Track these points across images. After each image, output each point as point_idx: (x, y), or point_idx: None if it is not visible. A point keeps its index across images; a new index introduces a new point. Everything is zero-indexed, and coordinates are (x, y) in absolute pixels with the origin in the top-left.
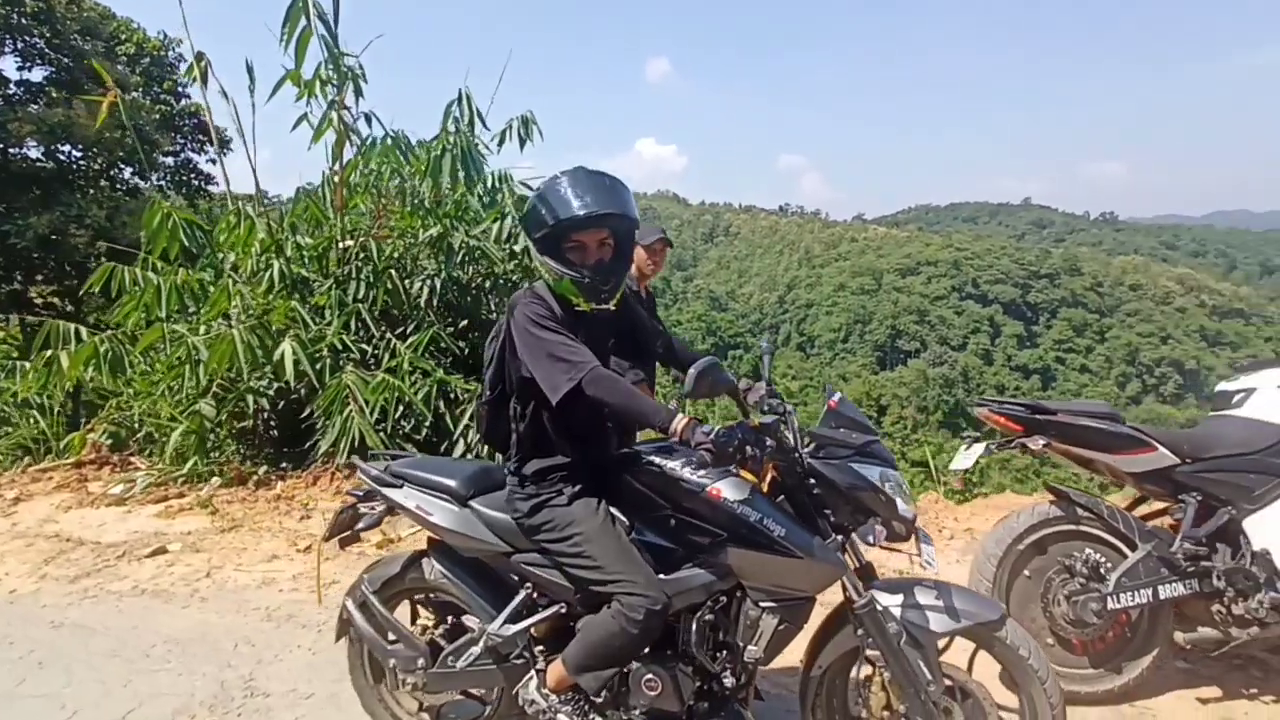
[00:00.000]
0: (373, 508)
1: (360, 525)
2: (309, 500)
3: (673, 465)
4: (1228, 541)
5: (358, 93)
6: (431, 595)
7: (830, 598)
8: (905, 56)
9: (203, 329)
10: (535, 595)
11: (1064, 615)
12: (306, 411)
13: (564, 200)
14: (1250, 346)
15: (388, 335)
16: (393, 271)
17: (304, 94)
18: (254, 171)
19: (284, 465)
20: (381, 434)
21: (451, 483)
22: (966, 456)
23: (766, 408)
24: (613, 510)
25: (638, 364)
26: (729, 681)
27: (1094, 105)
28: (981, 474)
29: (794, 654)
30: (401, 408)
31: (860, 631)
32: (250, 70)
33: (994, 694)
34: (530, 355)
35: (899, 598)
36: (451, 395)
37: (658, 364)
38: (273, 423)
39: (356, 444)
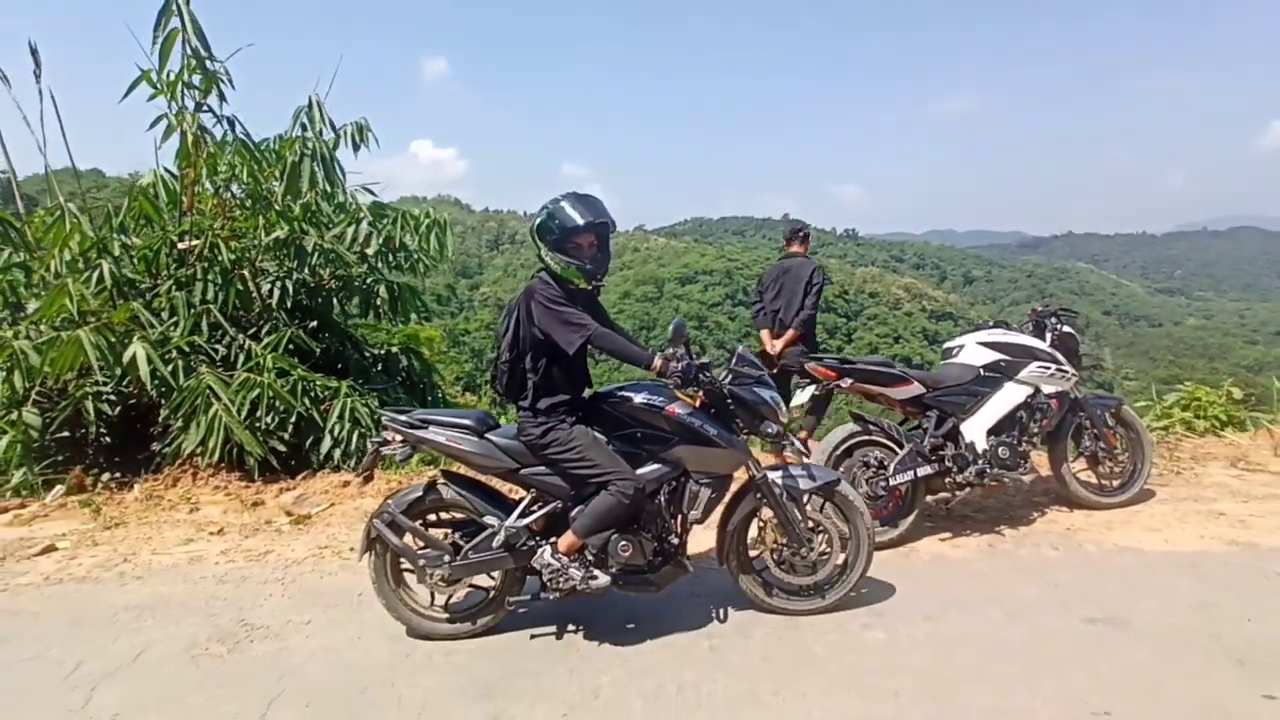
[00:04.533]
0: (394, 449)
1: (398, 459)
2: (189, 497)
3: (637, 398)
4: (953, 438)
5: (221, 96)
6: (439, 515)
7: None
8: (679, 79)
9: (30, 331)
10: (535, 500)
11: (865, 494)
12: (161, 415)
13: (569, 216)
14: None
15: (239, 337)
16: (245, 273)
17: (160, 93)
18: (44, 157)
19: (118, 474)
20: (248, 433)
21: (470, 422)
22: (801, 396)
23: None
24: (594, 430)
25: None
26: (675, 541)
27: (838, 135)
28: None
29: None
30: (265, 406)
31: (758, 495)
32: (35, 53)
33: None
34: (549, 322)
35: (780, 473)
36: (313, 394)
37: None
38: (103, 430)
39: (222, 443)
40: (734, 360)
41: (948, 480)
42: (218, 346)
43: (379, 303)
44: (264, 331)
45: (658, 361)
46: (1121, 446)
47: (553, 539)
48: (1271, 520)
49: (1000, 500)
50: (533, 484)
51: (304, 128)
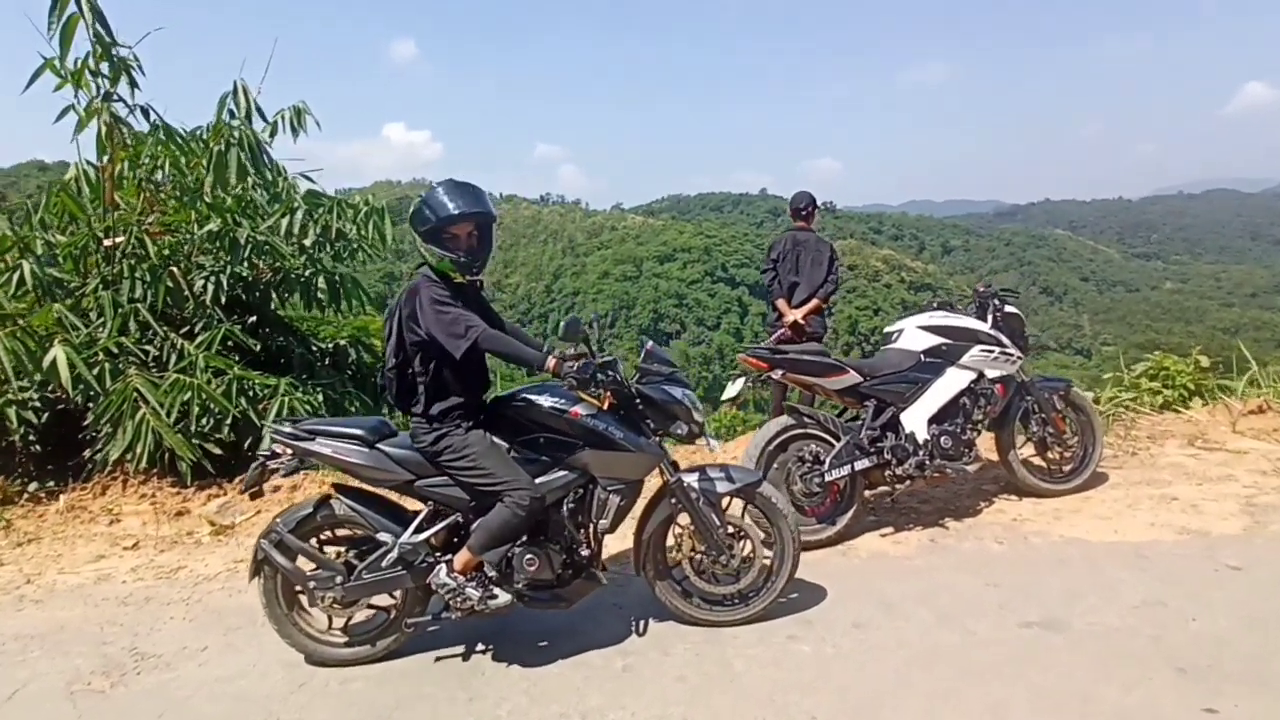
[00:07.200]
0: (281, 463)
1: (281, 474)
2: (112, 507)
3: (540, 400)
4: (892, 429)
5: (132, 84)
6: (335, 532)
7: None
8: (652, 55)
9: None
10: (433, 514)
11: (800, 491)
12: (87, 421)
13: (442, 204)
14: None
15: (171, 336)
16: (174, 269)
17: (66, 83)
18: None
19: (50, 482)
20: (180, 436)
21: (359, 432)
22: (732, 389)
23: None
24: (493, 436)
25: None
26: (585, 553)
27: (813, 109)
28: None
29: (622, 545)
30: (198, 408)
31: (673, 500)
32: None
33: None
34: (435, 324)
35: (696, 475)
36: (251, 392)
37: None
38: (31, 438)
39: (153, 448)
40: (642, 357)
41: (887, 474)
42: (148, 347)
43: (320, 295)
44: (199, 329)
45: (551, 362)
46: (1071, 430)
47: (449, 557)
48: (1225, 504)
49: (948, 490)
50: (430, 496)
51: (232, 114)
